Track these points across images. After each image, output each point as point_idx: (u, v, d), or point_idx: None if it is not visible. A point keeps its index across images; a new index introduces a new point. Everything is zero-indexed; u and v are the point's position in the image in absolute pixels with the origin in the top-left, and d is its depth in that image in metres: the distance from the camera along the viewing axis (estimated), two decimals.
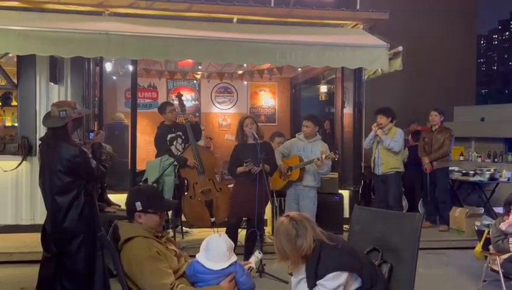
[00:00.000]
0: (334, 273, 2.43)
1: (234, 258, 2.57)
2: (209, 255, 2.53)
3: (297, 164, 5.37)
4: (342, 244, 2.59)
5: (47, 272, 3.50)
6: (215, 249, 2.53)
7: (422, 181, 7.08)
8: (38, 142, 3.66)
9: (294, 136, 5.80)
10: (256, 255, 2.88)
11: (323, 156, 5.17)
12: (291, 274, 2.66)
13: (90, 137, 3.92)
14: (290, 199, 5.56)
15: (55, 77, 6.16)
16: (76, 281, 3.45)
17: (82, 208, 3.44)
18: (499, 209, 6.01)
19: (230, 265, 2.53)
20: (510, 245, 4.29)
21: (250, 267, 2.74)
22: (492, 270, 4.40)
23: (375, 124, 6.29)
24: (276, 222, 5.79)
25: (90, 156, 3.52)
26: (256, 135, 5.02)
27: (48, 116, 3.57)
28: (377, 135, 6.22)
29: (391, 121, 6.30)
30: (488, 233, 4.53)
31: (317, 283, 2.45)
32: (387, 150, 6.23)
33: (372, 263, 2.72)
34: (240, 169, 5.03)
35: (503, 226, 4.32)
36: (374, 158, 6.40)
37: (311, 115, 5.78)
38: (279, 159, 5.46)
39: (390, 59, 6.04)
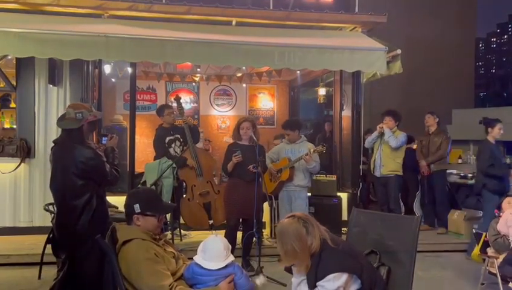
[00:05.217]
0: (334, 274, 2.44)
1: (231, 258, 2.58)
2: (206, 256, 2.54)
3: (287, 164, 5.46)
4: (343, 245, 2.60)
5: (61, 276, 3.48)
6: (211, 248, 2.54)
7: (416, 184, 7.12)
8: (51, 144, 3.59)
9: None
10: (261, 279, 2.89)
11: (312, 150, 5.29)
12: (290, 272, 2.66)
13: (104, 141, 3.90)
14: (283, 201, 5.62)
15: (54, 79, 6.16)
16: (85, 286, 3.40)
17: (94, 212, 3.39)
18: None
19: (228, 265, 2.54)
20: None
21: (254, 281, 2.75)
22: (490, 273, 4.40)
23: (380, 125, 6.32)
24: (276, 224, 5.84)
25: (105, 159, 3.50)
26: (255, 138, 5.04)
27: (63, 117, 3.53)
28: (381, 134, 6.29)
29: (397, 125, 6.38)
30: (486, 236, 4.54)
31: (317, 284, 2.46)
32: (388, 152, 6.27)
33: (372, 265, 2.72)
34: (230, 164, 5.02)
35: (499, 230, 4.35)
36: (374, 159, 6.44)
37: (288, 123, 5.83)
38: (268, 163, 5.56)
39: (388, 62, 6.06)
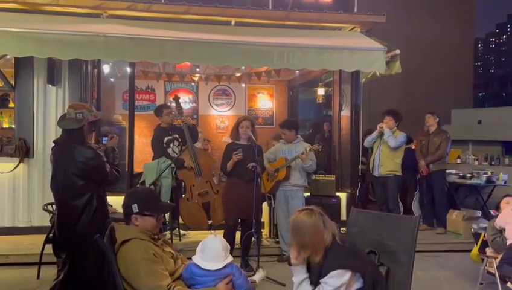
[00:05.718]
0: (338, 271, 2.45)
1: (230, 258, 2.58)
2: (204, 256, 2.53)
3: (284, 163, 5.49)
4: (349, 243, 2.61)
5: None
6: (210, 249, 2.54)
7: (415, 184, 7.13)
8: (50, 144, 3.60)
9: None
10: (261, 273, 2.89)
11: (308, 148, 5.33)
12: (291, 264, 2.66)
13: (104, 141, 3.89)
14: (280, 201, 5.63)
15: (53, 78, 6.16)
16: (86, 286, 3.39)
17: (94, 212, 3.38)
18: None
19: (226, 266, 2.54)
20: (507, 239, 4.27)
21: (253, 281, 2.75)
22: (489, 273, 4.41)
23: (380, 124, 6.33)
24: (276, 223, 5.84)
25: (105, 159, 3.49)
26: (253, 138, 5.05)
27: (63, 118, 3.53)
28: (381, 134, 6.30)
29: (397, 125, 6.39)
30: (485, 236, 4.54)
31: (320, 281, 2.47)
32: (387, 152, 6.28)
33: (375, 265, 2.73)
34: (230, 162, 5.01)
35: (496, 223, 4.35)
36: (373, 159, 6.45)
37: (285, 122, 5.82)
38: (266, 163, 5.57)
39: (388, 62, 6.06)
